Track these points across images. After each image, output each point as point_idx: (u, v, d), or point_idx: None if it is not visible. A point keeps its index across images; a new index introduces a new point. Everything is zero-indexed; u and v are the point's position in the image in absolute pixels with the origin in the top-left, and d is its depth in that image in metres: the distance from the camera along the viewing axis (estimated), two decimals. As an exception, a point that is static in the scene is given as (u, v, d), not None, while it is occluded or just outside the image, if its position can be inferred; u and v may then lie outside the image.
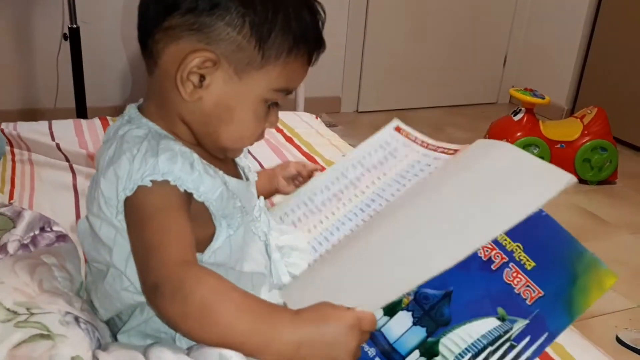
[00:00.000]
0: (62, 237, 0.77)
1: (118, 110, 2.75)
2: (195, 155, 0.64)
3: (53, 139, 1.36)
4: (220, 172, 0.67)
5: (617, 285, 1.79)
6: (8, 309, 0.60)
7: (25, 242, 0.72)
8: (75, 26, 2.34)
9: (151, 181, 0.59)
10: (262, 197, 0.78)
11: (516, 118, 2.49)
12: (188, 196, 0.62)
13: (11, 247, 0.69)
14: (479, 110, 3.41)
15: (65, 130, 1.42)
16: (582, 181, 2.48)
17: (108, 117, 1.52)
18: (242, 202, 0.70)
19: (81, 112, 2.47)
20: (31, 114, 2.70)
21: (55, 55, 2.62)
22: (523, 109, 2.47)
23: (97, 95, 2.65)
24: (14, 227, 0.73)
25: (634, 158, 2.79)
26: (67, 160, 1.25)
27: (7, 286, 0.62)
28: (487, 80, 3.48)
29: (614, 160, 2.45)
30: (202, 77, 0.62)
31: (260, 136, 0.69)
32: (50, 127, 1.43)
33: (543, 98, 2.44)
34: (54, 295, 0.64)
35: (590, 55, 3.08)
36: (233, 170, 0.74)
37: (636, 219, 2.24)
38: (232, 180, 0.69)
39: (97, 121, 1.50)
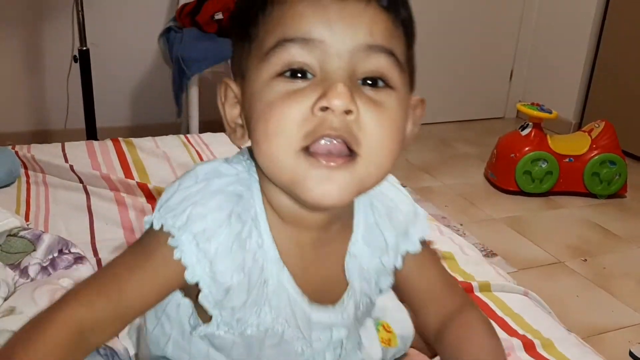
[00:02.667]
0: (79, 258, 0.78)
1: (127, 131, 2.79)
2: (262, 225, 0.54)
3: (66, 160, 1.38)
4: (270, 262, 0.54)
5: (630, 300, 1.80)
6: None
7: (45, 264, 0.73)
8: (85, 48, 2.38)
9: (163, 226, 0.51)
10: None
11: (524, 133, 2.50)
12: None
13: (32, 271, 0.70)
14: (486, 125, 3.42)
15: (78, 151, 1.44)
16: (591, 195, 2.48)
17: (120, 139, 1.55)
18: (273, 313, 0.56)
19: (91, 132, 2.50)
20: (42, 135, 2.74)
21: (66, 76, 2.66)
22: (530, 123, 2.47)
23: (107, 117, 2.68)
24: (35, 250, 0.74)
25: (643, 171, 2.79)
26: (81, 181, 1.27)
27: (26, 316, 0.63)
28: (494, 95, 3.50)
29: (623, 173, 2.44)
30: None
31: (313, 137, 0.47)
32: (63, 149, 1.45)
33: (550, 112, 2.45)
34: None
35: (597, 69, 3.10)
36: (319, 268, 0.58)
37: (646, 233, 2.24)
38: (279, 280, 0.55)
39: (109, 142, 1.53)
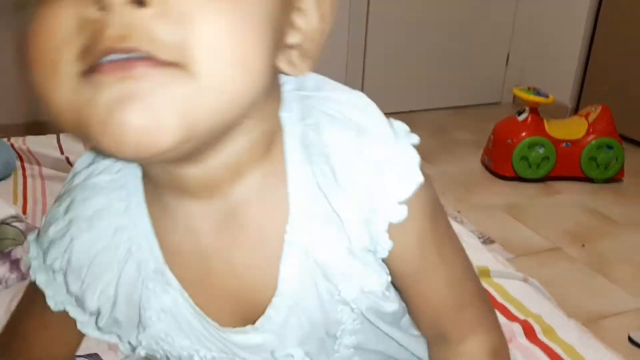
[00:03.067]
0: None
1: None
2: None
3: (62, 152, 1.37)
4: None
5: (628, 286, 1.80)
6: None
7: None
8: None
9: None
10: None
11: (520, 118, 2.49)
12: None
13: (23, 266, 0.70)
14: (482, 110, 3.41)
15: (74, 143, 1.43)
16: (588, 180, 2.48)
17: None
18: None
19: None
20: (36, 127, 2.72)
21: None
22: (527, 108, 2.47)
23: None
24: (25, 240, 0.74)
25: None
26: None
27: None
28: (490, 81, 3.49)
29: (620, 157, 2.45)
30: None
31: (91, 54, 0.30)
32: (58, 141, 1.44)
33: (547, 97, 2.44)
34: None
35: (593, 53, 3.09)
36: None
37: (643, 217, 2.24)
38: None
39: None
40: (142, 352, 0.48)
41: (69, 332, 0.50)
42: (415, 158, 0.41)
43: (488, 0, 3.29)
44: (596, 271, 1.88)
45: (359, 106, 0.42)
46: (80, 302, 0.46)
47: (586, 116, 2.49)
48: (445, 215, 0.50)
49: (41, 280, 0.47)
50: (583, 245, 2.03)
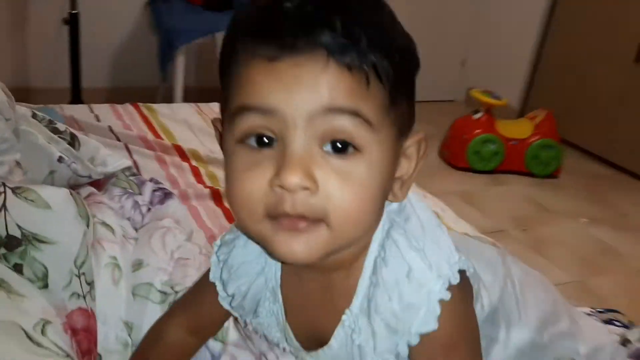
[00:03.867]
0: (168, 194, 1.00)
1: (108, 92, 2.91)
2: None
3: (98, 121, 1.54)
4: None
5: (561, 263, 2.14)
6: (160, 291, 0.79)
7: (150, 207, 0.95)
8: (75, 12, 2.52)
9: None
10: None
11: (476, 117, 2.80)
12: None
13: (143, 210, 0.91)
14: (439, 107, 3.73)
15: (106, 114, 1.61)
16: (531, 175, 2.83)
17: (140, 104, 1.72)
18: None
19: (76, 92, 2.63)
20: (24, 92, 2.82)
21: (53, 37, 2.76)
22: (482, 109, 2.78)
23: (88, 78, 2.79)
24: (140, 193, 0.95)
25: (575, 156, 3.17)
26: (119, 140, 1.45)
27: (152, 268, 0.81)
28: (447, 80, 3.81)
29: (559, 157, 2.80)
30: None
31: (274, 213, 0.49)
32: (91, 111, 1.61)
33: (500, 99, 2.76)
34: (184, 266, 0.84)
35: (541, 61, 3.44)
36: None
37: (575, 208, 2.60)
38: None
39: (129, 107, 1.70)
40: (251, 327, 0.73)
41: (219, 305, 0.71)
42: (436, 312, 0.54)
43: (447, 8, 3.59)
44: (535, 251, 2.21)
45: (422, 247, 0.55)
46: (225, 286, 0.68)
47: (532, 119, 2.83)
48: (471, 336, 0.59)
49: (213, 259, 0.69)
50: (524, 230, 2.36)
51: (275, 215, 0.48)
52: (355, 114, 0.47)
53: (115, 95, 2.69)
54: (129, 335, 0.76)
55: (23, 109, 1.00)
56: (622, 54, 2.96)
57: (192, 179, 1.31)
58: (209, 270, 0.70)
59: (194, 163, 1.39)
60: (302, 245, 0.49)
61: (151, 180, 1.01)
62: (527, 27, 3.45)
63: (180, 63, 2.61)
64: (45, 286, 0.66)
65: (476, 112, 2.81)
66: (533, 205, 2.60)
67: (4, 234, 0.63)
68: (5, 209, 0.64)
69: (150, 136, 1.49)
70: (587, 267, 2.16)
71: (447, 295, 0.53)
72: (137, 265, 0.81)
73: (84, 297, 0.71)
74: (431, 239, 0.56)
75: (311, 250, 0.49)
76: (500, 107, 2.78)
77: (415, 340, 0.54)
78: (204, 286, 0.71)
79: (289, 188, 0.46)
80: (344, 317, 0.58)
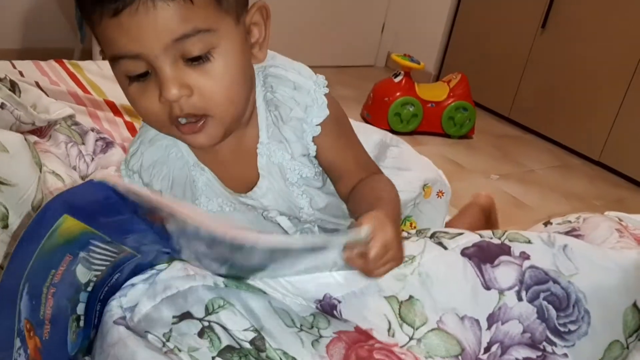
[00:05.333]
0: (110, 143, 1.01)
1: (22, 53, 2.78)
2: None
3: (22, 75, 1.50)
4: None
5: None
6: None
7: (93, 157, 0.96)
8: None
9: None
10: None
11: (396, 80, 2.90)
12: None
13: (88, 159, 0.93)
14: (360, 71, 3.82)
15: (30, 71, 1.57)
16: (446, 135, 2.98)
17: (65, 61, 1.68)
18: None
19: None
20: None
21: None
22: (402, 72, 2.89)
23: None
24: (83, 143, 0.96)
25: (487, 117, 3.36)
26: (47, 96, 1.42)
27: None
28: (367, 45, 3.90)
29: (472, 119, 2.97)
30: None
31: (173, 118, 0.64)
32: (14, 67, 1.57)
33: (419, 63, 2.88)
34: None
35: (455, 28, 3.60)
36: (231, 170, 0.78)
37: (486, 166, 2.78)
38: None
39: (53, 63, 1.66)
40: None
41: None
42: (324, 101, 0.73)
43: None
44: (451, 205, 2.36)
45: (294, 68, 0.74)
46: (150, 187, 0.76)
47: (448, 82, 2.97)
48: (347, 121, 0.82)
49: (125, 179, 0.77)
50: (442, 186, 2.51)
51: (174, 120, 0.63)
52: (194, 32, 0.58)
53: (27, 57, 2.57)
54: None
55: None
56: (530, 21, 3.15)
57: (127, 133, 1.32)
58: None
59: (127, 118, 1.40)
60: (204, 137, 0.65)
61: (93, 130, 1.02)
62: (442, -6, 3.58)
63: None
64: (6, 226, 0.68)
65: (396, 75, 2.91)
66: (449, 163, 2.76)
67: (-36, 174, 0.64)
68: (-35, 150, 0.64)
69: (79, 92, 1.47)
70: (498, 218, 2.33)
71: (326, 90, 0.73)
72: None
73: (42, 239, 0.73)
74: (297, 65, 0.75)
75: (212, 137, 0.66)
76: (418, 70, 2.89)
77: (317, 131, 0.72)
78: None
79: (171, 100, 0.60)
80: (258, 149, 0.74)
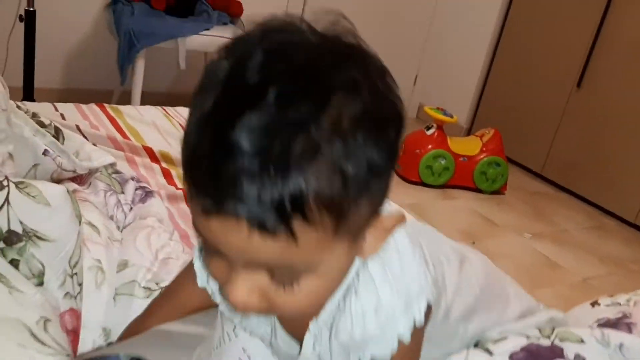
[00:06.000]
0: (149, 192, 1.01)
1: (63, 93, 2.85)
2: None
3: (64, 119, 1.52)
4: None
5: (507, 274, 2.22)
6: (144, 287, 0.81)
7: (132, 206, 0.96)
8: (32, 9, 2.46)
9: None
10: None
11: (428, 133, 2.90)
12: None
13: (125, 209, 0.92)
14: (390, 121, 3.83)
15: (71, 113, 1.59)
16: (478, 190, 2.95)
17: (105, 105, 1.71)
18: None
19: (28, 91, 2.56)
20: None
21: (7, 35, 2.68)
22: (435, 125, 2.88)
23: (41, 77, 2.73)
24: (122, 192, 0.96)
25: (519, 174, 3.32)
26: (87, 139, 1.43)
27: (137, 267, 0.83)
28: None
29: (505, 174, 2.93)
30: None
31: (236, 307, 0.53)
32: (56, 109, 1.59)
33: (452, 117, 2.87)
34: (168, 264, 0.86)
35: (489, 82, 3.60)
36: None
37: (519, 223, 2.73)
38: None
39: (95, 107, 1.68)
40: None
41: (204, 293, 0.73)
42: (393, 348, 0.58)
43: (399, 25, 3.70)
44: (483, 263, 2.31)
45: (393, 279, 0.58)
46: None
47: (481, 137, 2.96)
48: None
49: (196, 267, 0.70)
50: (473, 243, 2.46)
51: None
52: (287, 267, 0.48)
53: (68, 97, 2.63)
54: (105, 341, 0.76)
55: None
56: (565, 79, 3.14)
57: (163, 180, 1.32)
58: (186, 269, 0.73)
59: (164, 165, 1.40)
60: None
61: (133, 178, 1.02)
62: (477, 47, 3.60)
63: (140, 67, 2.59)
64: (41, 284, 0.67)
65: (429, 128, 2.91)
66: (480, 219, 2.72)
67: (5, 228, 0.64)
68: (8, 204, 0.64)
69: (118, 137, 1.48)
70: (531, 279, 2.27)
71: (407, 338, 0.57)
72: (123, 265, 0.82)
73: (75, 298, 0.71)
74: (406, 268, 0.59)
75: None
76: (451, 124, 2.89)
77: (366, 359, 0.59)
78: (183, 283, 0.73)
79: (235, 308, 0.51)
80: (311, 325, 0.62)
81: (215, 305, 0.76)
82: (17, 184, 0.66)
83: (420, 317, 0.58)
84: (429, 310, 0.61)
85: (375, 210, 0.52)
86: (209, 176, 0.45)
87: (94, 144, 1.37)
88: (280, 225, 0.44)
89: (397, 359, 0.58)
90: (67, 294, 0.70)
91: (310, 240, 0.46)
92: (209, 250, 0.51)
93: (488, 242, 2.50)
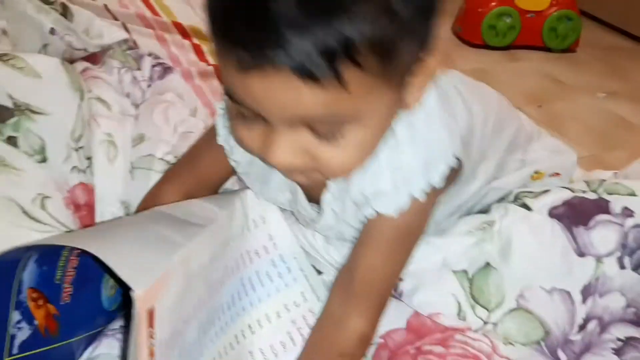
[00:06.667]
0: (168, 68, 0.96)
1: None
2: None
3: (92, -1, 1.47)
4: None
5: (578, 138, 2.11)
6: (162, 159, 0.78)
7: (149, 83, 0.91)
8: None
9: None
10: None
11: (491, -12, 2.66)
12: None
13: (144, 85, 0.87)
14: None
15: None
16: (547, 49, 2.72)
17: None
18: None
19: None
20: None
21: None
22: (498, -21, 2.63)
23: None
24: (139, 68, 0.91)
25: (594, 28, 3.03)
26: (116, 19, 1.38)
27: (154, 141, 0.80)
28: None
29: (578, 29, 2.68)
30: None
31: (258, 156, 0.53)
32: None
33: (518, -33, 2.60)
34: (188, 139, 0.82)
35: None
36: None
37: (592, 83, 2.52)
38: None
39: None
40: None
41: (225, 160, 0.70)
42: (403, 208, 0.57)
43: None
44: (551, 128, 2.16)
45: (422, 138, 0.57)
46: (230, 151, 0.67)
47: (551, -11, 2.68)
48: (406, 245, 0.63)
49: (219, 125, 0.67)
50: (540, 106, 2.30)
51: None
52: (331, 117, 0.46)
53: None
54: (127, 214, 0.74)
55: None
56: None
57: (194, 57, 1.27)
58: (206, 134, 0.69)
59: (195, 40, 1.34)
60: (298, 178, 0.55)
61: (150, 54, 0.97)
62: None
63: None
64: (44, 160, 0.64)
65: (491, -18, 2.66)
66: (549, 80, 2.52)
67: (-6, 103, 0.60)
68: (-7, 77, 0.60)
69: (148, 14, 1.42)
70: (603, 141, 2.12)
71: (422, 197, 0.56)
72: (139, 139, 0.79)
73: (84, 172, 0.68)
74: (432, 129, 0.57)
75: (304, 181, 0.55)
76: (516, -24, 2.62)
77: (371, 214, 0.59)
78: (203, 150, 0.70)
79: (276, 167, 0.50)
80: (329, 185, 0.62)
81: (233, 175, 0.73)
82: (0, 56, 0.61)
83: (438, 180, 0.56)
84: (453, 172, 0.59)
85: (419, 55, 0.52)
86: (247, 24, 0.41)
87: (124, 24, 1.32)
88: (328, 71, 0.42)
89: (405, 215, 0.57)
90: (74, 167, 0.67)
91: (359, 85, 0.44)
92: (245, 115, 0.49)
93: (556, 104, 2.33)
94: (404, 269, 0.62)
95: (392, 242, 0.60)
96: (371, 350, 0.57)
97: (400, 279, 0.61)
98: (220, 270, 0.56)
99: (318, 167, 0.50)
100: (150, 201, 0.71)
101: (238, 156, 0.66)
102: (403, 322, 0.60)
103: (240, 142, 0.53)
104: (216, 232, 0.57)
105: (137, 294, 0.43)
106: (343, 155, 0.49)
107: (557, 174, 0.86)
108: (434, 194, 0.58)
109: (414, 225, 0.61)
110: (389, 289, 0.62)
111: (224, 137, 0.66)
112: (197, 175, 0.70)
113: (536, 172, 0.84)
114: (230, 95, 0.48)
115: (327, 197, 0.62)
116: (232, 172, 0.72)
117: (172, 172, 0.73)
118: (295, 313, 0.62)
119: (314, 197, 0.66)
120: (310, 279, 0.65)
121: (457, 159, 0.60)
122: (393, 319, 0.60)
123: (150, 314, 0.45)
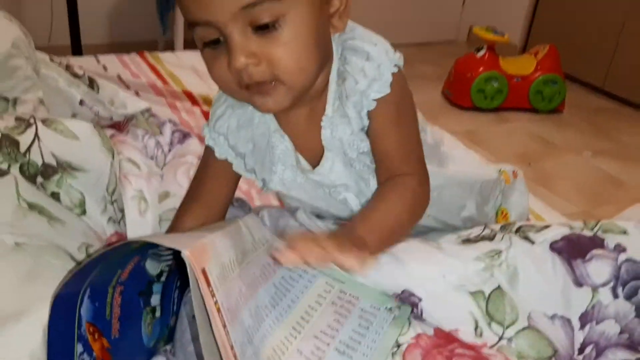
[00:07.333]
0: (187, 134, 1.03)
1: (111, 48, 2.90)
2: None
3: (106, 70, 1.56)
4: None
5: (566, 195, 2.17)
6: None
7: (170, 148, 0.98)
8: (72, -34, 2.49)
9: None
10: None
11: (479, 55, 2.79)
12: None
13: (165, 149, 0.94)
14: (440, 47, 3.71)
15: (113, 64, 1.62)
16: (534, 110, 2.84)
17: (145, 52, 1.73)
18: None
19: (76, 48, 2.62)
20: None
21: (50, -6, 2.74)
22: (485, 46, 2.77)
23: (87, 34, 2.78)
24: (161, 134, 0.98)
25: (578, 90, 3.17)
26: (129, 88, 1.47)
27: (179, 197, 0.82)
28: (448, 20, 3.77)
29: (563, 92, 2.80)
30: None
31: (242, 85, 0.64)
32: (98, 61, 1.63)
33: (503, 35, 2.74)
34: None
35: (541, -2, 3.41)
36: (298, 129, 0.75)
37: (579, 142, 2.63)
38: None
39: (135, 56, 1.71)
40: (271, 187, 0.78)
41: (229, 175, 0.78)
42: (389, 79, 0.68)
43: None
44: (541, 185, 2.25)
45: (372, 40, 0.70)
46: (235, 150, 0.75)
47: (535, 54, 2.82)
48: (409, 110, 0.74)
49: (210, 142, 0.76)
50: (529, 164, 2.39)
51: (243, 87, 0.63)
52: (262, 0, 0.58)
53: (114, 50, 2.68)
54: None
55: (39, 53, 1.02)
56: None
57: (203, 123, 1.33)
58: (201, 167, 0.78)
59: (205, 108, 1.42)
60: (272, 102, 0.64)
61: (170, 121, 1.04)
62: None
63: (179, 15, 2.60)
64: (84, 212, 0.70)
65: (479, 49, 2.80)
66: (538, 141, 2.63)
67: (40, 162, 0.66)
68: (38, 139, 0.66)
69: (159, 83, 1.51)
70: (592, 198, 2.20)
71: (395, 69, 0.68)
72: (164, 195, 0.85)
73: (119, 223, 0.74)
74: (375, 37, 0.70)
75: (279, 103, 0.65)
76: (502, 43, 2.77)
77: (372, 105, 0.68)
78: (207, 170, 0.77)
79: (238, 69, 0.60)
80: (322, 123, 0.71)
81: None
82: (43, 121, 0.68)
83: (398, 61, 0.69)
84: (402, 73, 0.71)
85: None
86: None
87: (136, 92, 1.41)
88: None
89: (395, 89, 0.68)
90: (110, 219, 0.73)
91: None
92: (208, 42, 0.61)
93: (546, 162, 2.42)
94: (418, 136, 0.74)
95: (399, 116, 0.71)
96: (402, 348, 0.61)
97: (419, 299, 0.65)
98: (250, 276, 0.61)
99: (272, 64, 0.61)
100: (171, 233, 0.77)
101: (241, 147, 0.75)
102: (430, 331, 0.64)
103: (218, 79, 0.64)
104: (234, 232, 0.63)
105: (186, 253, 0.49)
106: (287, 50, 0.60)
107: (515, 172, 1.04)
108: (402, 77, 0.70)
109: (406, 97, 0.72)
110: (421, 148, 0.74)
111: (220, 149, 0.76)
112: (209, 196, 0.77)
113: (500, 171, 1.01)
114: (190, 23, 0.61)
115: (325, 134, 0.71)
116: (234, 186, 0.80)
117: (186, 202, 0.79)
118: (331, 297, 0.66)
119: (312, 152, 0.75)
120: (326, 271, 0.69)
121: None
122: (418, 329, 0.64)
123: (205, 275, 0.50)
